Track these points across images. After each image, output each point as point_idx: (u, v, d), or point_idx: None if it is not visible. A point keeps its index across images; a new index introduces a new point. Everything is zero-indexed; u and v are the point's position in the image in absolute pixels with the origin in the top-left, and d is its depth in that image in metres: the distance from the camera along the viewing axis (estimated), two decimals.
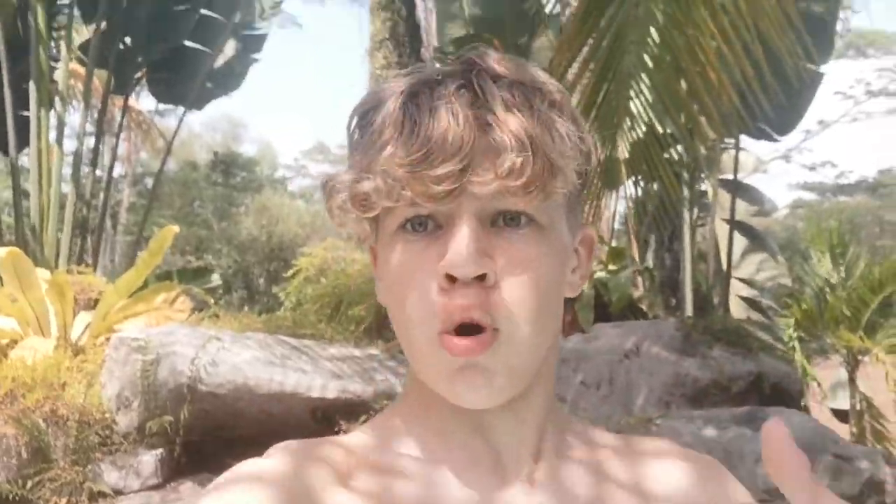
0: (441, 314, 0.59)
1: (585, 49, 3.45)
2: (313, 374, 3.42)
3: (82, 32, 8.91)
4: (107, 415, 3.49)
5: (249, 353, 3.42)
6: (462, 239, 0.59)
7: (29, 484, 3.16)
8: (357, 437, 0.67)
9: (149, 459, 3.33)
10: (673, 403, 4.10)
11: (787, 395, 4.39)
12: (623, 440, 0.73)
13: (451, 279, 0.59)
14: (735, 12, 3.17)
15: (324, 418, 3.46)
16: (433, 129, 0.59)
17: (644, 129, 3.61)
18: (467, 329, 0.59)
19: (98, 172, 9.09)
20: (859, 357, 7.16)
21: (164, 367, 3.41)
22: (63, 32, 7.78)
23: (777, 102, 4.54)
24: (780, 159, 25.08)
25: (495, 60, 0.64)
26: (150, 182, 24.63)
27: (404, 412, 0.68)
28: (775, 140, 7.22)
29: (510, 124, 0.59)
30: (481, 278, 0.59)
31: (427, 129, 0.59)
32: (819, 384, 6.84)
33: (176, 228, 4.57)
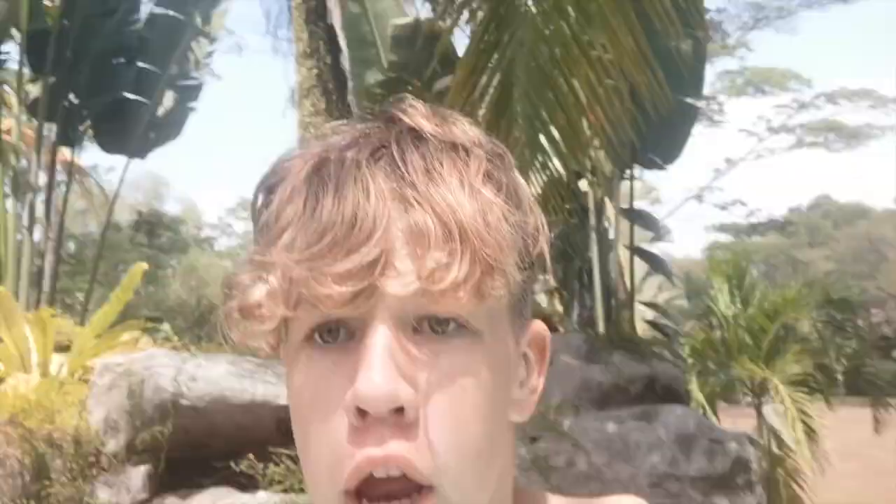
0: (348, 465, 0.50)
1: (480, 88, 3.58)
2: (278, 385, 4.04)
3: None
4: (96, 437, 4.00)
5: (223, 368, 4.02)
6: (374, 359, 0.49)
7: (33, 502, 3.65)
8: None
9: (137, 476, 3.86)
10: (582, 406, 4.83)
11: (675, 394, 5.21)
12: None
13: (363, 413, 0.49)
14: (602, 50, 3.51)
15: (287, 431, 4.07)
16: (337, 209, 0.50)
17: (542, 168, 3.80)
18: (384, 486, 0.50)
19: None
20: (763, 394, 7.87)
21: (148, 385, 3.96)
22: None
23: (647, 135, 5.12)
24: (693, 199, 26.70)
25: (422, 115, 0.55)
26: (72, 246, 24.41)
27: None
28: (663, 168, 8.06)
29: (435, 203, 0.50)
30: (399, 411, 0.49)
31: (330, 210, 0.50)
32: (715, 414, 7.33)
33: (145, 265, 5.12)
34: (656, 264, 7.73)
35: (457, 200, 0.51)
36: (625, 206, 7.35)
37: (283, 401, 4.05)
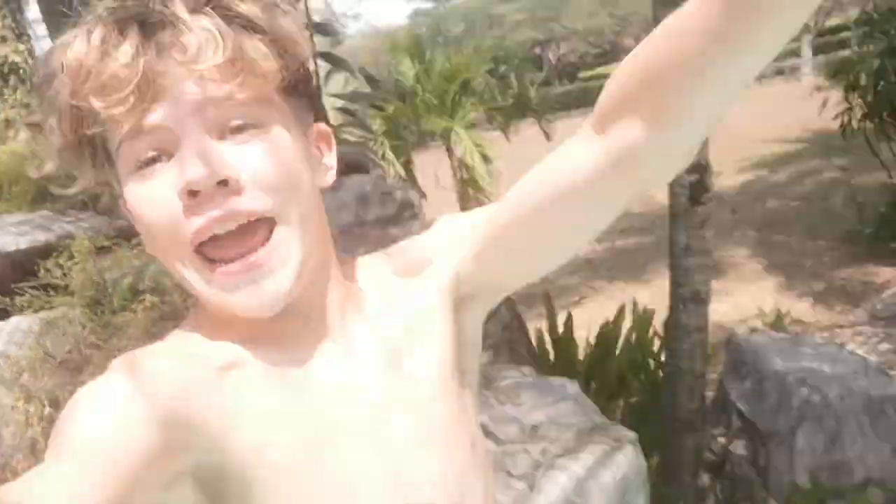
0: (193, 226, 0.56)
1: None
2: (2, 237, 4.48)
3: None
4: None
5: None
6: (192, 149, 0.55)
7: None
8: (179, 350, 0.62)
9: None
10: None
11: (358, 168, 6.30)
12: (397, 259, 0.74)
13: (194, 194, 0.55)
14: None
15: (22, 267, 4.56)
16: (104, 40, 0.55)
17: None
18: (232, 250, 0.58)
19: None
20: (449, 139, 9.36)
21: None
22: None
23: None
24: None
25: None
26: None
27: (206, 323, 0.64)
28: None
29: (199, 22, 0.56)
30: (224, 184, 0.56)
31: (87, 44, 0.55)
32: (407, 168, 8.69)
33: None
34: (339, 63, 8.58)
35: (221, 22, 0.57)
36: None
37: (12, 248, 4.51)
